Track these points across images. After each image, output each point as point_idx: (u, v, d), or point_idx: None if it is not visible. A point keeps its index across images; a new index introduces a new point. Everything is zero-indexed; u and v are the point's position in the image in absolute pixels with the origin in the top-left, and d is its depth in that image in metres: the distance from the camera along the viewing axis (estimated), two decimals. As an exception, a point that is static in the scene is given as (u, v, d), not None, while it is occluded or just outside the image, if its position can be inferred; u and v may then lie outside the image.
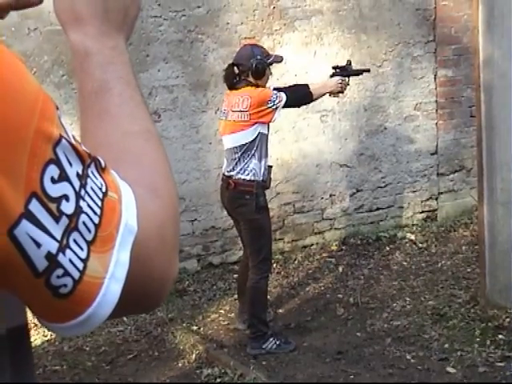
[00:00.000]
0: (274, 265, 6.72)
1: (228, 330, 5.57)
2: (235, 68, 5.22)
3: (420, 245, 7.13)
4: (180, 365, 5.06)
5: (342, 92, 5.48)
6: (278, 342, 5.15)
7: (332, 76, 5.50)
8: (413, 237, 7.31)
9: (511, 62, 5.16)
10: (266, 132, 5.15)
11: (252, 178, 5.09)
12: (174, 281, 0.91)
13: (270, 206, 6.86)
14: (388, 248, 7.10)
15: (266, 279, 5.21)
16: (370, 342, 5.21)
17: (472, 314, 5.41)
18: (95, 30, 0.97)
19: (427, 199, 7.71)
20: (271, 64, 5.22)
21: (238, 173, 5.11)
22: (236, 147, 5.13)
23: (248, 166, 5.09)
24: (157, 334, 5.52)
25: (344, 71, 5.54)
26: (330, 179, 7.25)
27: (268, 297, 5.39)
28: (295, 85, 5.49)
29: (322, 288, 6.27)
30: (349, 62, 5.60)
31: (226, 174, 5.20)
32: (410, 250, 7.04)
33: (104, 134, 0.94)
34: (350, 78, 5.56)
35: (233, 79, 5.23)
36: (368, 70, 5.93)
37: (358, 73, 5.77)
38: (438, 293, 5.95)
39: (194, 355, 5.12)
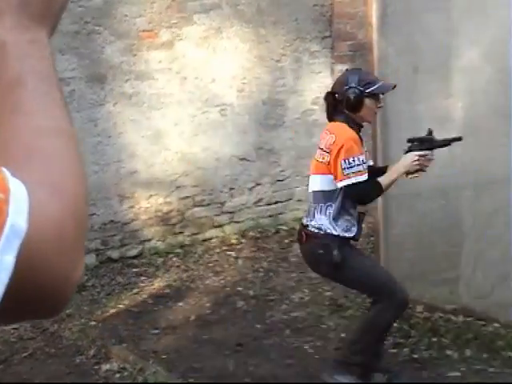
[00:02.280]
0: (174, 259, 6.75)
1: (127, 325, 5.57)
2: (333, 97, 4.37)
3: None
4: (78, 361, 5.03)
5: (423, 170, 4.40)
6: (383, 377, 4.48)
7: (408, 151, 4.40)
8: (311, 229, 7.44)
9: (404, 58, 5.34)
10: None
11: (325, 233, 4.28)
12: (78, 282, 0.87)
13: (169, 199, 6.91)
14: (287, 240, 7.21)
15: (398, 310, 4.35)
16: (269, 333, 5.30)
17: (368, 304, 5.55)
18: (13, 22, 0.92)
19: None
20: (374, 95, 4.31)
21: (313, 224, 4.32)
22: (314, 192, 4.38)
23: (321, 221, 4.29)
24: (53, 331, 5.46)
25: (423, 144, 4.42)
26: (230, 173, 7.31)
27: (167, 291, 5.40)
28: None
29: (222, 281, 6.33)
30: (429, 132, 4.46)
31: (302, 222, 4.46)
32: (308, 242, 7.17)
33: (14, 128, 0.90)
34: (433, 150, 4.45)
35: (331, 110, 4.38)
36: (459, 139, 4.56)
37: (444, 144, 4.53)
38: (335, 284, 6.07)
39: (92, 351, 5.10)
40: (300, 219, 7.52)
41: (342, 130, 4.25)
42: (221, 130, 7.18)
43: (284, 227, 7.49)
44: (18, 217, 0.79)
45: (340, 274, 4.30)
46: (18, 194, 0.80)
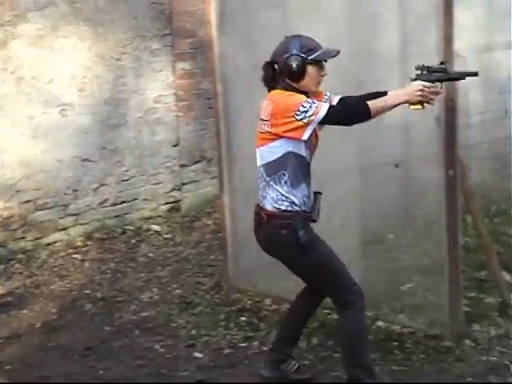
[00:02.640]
0: (16, 265, 6.56)
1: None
2: (275, 66, 4.07)
3: (165, 236, 7.25)
4: None
5: (429, 103, 4.01)
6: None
7: (415, 79, 4.05)
8: (158, 228, 7.42)
9: (243, 55, 5.40)
10: (303, 153, 3.99)
11: (286, 209, 4.00)
12: None
13: (9, 204, 6.70)
14: (134, 240, 7.15)
15: (361, 311, 4.05)
16: (118, 335, 5.24)
17: (217, 300, 5.61)
18: None
19: (171, 190, 7.85)
20: (318, 61, 4.02)
21: (270, 203, 4.03)
22: (262, 166, 4.08)
23: (276, 193, 4.02)
24: None
25: (432, 75, 4.05)
26: (73, 174, 7.17)
27: (10, 298, 5.23)
28: (370, 94, 4.18)
29: (68, 285, 6.19)
30: (441, 62, 4.17)
31: (258, 204, 4.14)
32: (155, 241, 7.14)
33: None
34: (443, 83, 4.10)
35: (271, 81, 4.09)
36: (475, 74, 4.14)
37: (458, 78, 4.19)
38: (184, 281, 6.09)
39: None
40: (146, 219, 7.57)
41: (279, 94, 4.00)
42: (62, 130, 7.02)
43: (130, 227, 7.42)
44: None
45: (303, 259, 3.98)
46: None
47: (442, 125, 4.47)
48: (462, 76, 4.16)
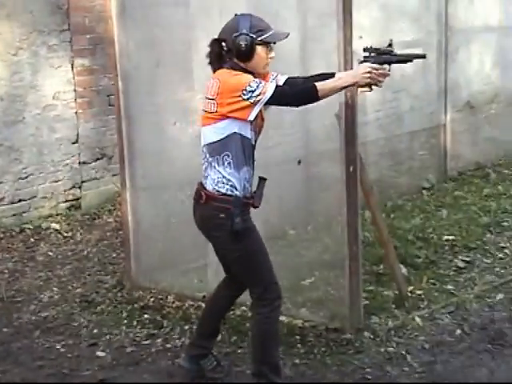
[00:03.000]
0: None
1: None
2: (222, 44, 3.94)
3: (65, 234, 7.14)
4: None
5: (377, 85, 4.00)
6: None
7: (362, 62, 4.04)
8: (58, 226, 7.30)
9: (145, 52, 5.37)
10: (248, 135, 3.88)
11: (227, 192, 3.89)
12: None
13: None
14: (33, 239, 7.02)
15: (277, 310, 4.04)
16: (17, 336, 5.13)
17: (119, 298, 5.56)
18: None
19: (70, 188, 7.73)
20: (267, 42, 3.91)
21: (211, 183, 3.92)
22: (205, 145, 3.94)
23: (218, 174, 3.90)
24: None
25: (380, 57, 4.03)
26: (-37, 173, 6.99)
27: None
28: (318, 75, 4.07)
29: (-35, 286, 6.04)
30: (390, 43, 4.11)
31: (200, 182, 4.01)
32: (55, 239, 7.03)
33: None
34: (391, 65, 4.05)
35: (217, 59, 3.95)
36: (423, 56, 4.21)
37: (405, 60, 4.19)
38: (85, 280, 6.01)
39: None
40: (45, 217, 7.44)
41: (226, 73, 3.86)
42: (-44, 127, 6.83)
43: (29, 226, 7.28)
44: None
45: (234, 245, 3.89)
46: None
47: (342, 122, 4.55)
48: (410, 58, 4.18)
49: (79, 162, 7.79)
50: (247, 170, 3.94)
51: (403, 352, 4.55)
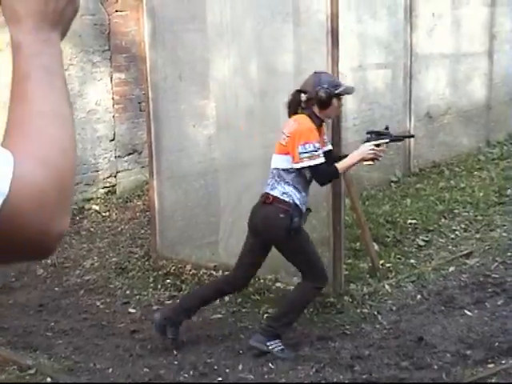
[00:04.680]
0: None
1: None
2: (302, 95, 3.99)
3: (103, 214, 7.06)
4: None
5: (378, 159, 4.11)
6: (282, 348, 4.09)
7: (366, 141, 4.10)
8: (97, 208, 7.22)
9: (170, 68, 5.30)
10: (307, 174, 3.95)
11: (290, 201, 3.92)
12: (63, 234, 0.90)
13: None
14: (78, 218, 6.94)
15: (315, 290, 4.11)
16: (66, 294, 5.10)
17: (147, 266, 5.51)
18: (30, 26, 0.94)
19: (108, 177, 7.65)
20: (340, 95, 4.02)
21: (278, 192, 3.95)
22: (274, 169, 4.01)
23: (284, 189, 3.94)
24: None
25: (380, 137, 4.14)
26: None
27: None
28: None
29: (23, 254, 5.97)
30: (386, 127, 4.24)
31: (264, 191, 4.03)
32: (95, 218, 6.95)
33: (18, 114, 0.91)
34: (387, 144, 4.19)
35: (296, 107, 4.00)
36: (412, 136, 4.35)
37: (398, 139, 4.40)
38: (119, 251, 5.96)
39: None
40: (88, 200, 7.37)
41: (304, 120, 3.93)
42: None
43: (75, 207, 7.20)
44: (1, 181, 0.81)
45: (290, 241, 3.94)
46: (4, 163, 0.83)
47: (329, 127, 4.49)
48: (402, 138, 4.40)
49: (115, 156, 7.71)
50: (305, 195, 4.01)
51: (375, 313, 4.52)
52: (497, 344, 4.00)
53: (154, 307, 4.78)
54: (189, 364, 4.04)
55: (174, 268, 5.36)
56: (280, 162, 3.97)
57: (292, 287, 4.75)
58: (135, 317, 4.68)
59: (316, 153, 3.86)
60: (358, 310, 4.55)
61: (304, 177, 3.96)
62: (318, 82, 3.94)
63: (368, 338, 4.19)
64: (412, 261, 5.35)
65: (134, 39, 7.00)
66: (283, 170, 3.95)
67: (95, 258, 5.84)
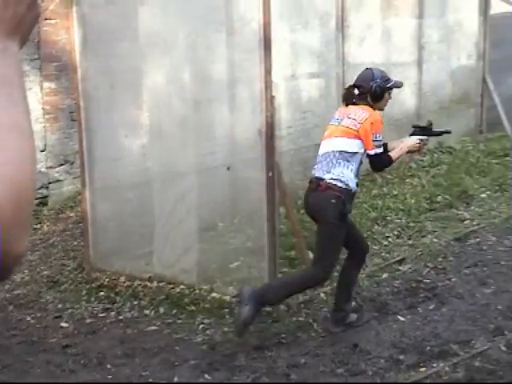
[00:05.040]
0: None
1: None
2: (355, 89, 4.37)
3: (35, 226, 6.89)
4: None
5: (420, 151, 4.68)
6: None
7: (412, 134, 4.52)
8: (28, 220, 7.06)
9: (102, 77, 5.24)
10: (363, 158, 4.28)
11: (342, 186, 4.16)
12: (22, 254, 0.85)
13: None
14: None
15: (317, 282, 4.44)
16: (-6, 310, 4.96)
17: (79, 278, 5.42)
18: None
19: (39, 188, 7.49)
20: (391, 88, 4.39)
21: (331, 176, 4.17)
22: (334, 151, 4.21)
23: (341, 173, 4.17)
24: None
25: (424, 131, 4.56)
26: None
27: None
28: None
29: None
30: (429, 123, 4.63)
31: (317, 175, 4.24)
32: (26, 230, 6.79)
33: None
34: (430, 138, 4.64)
35: (352, 99, 4.36)
36: (449, 132, 4.89)
37: (438, 134, 4.80)
38: (51, 264, 5.84)
39: None
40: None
41: (373, 112, 4.25)
42: None
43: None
44: None
45: (340, 223, 4.18)
46: None
47: (263, 136, 4.52)
48: (441, 133, 4.79)
49: (46, 167, 7.56)
50: (358, 178, 4.33)
51: (311, 321, 4.56)
52: (428, 348, 4.09)
53: (87, 320, 4.71)
54: (124, 378, 3.99)
55: (107, 280, 5.29)
56: (346, 145, 4.22)
57: (228, 297, 4.76)
58: (67, 331, 4.59)
59: (381, 142, 4.25)
60: (294, 319, 4.58)
61: (361, 163, 4.29)
62: (371, 77, 4.32)
63: (304, 347, 4.23)
64: (346, 268, 5.41)
65: (65, 48, 6.89)
66: (349, 152, 4.20)
67: (26, 271, 5.69)
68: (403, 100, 8.93)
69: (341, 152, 4.21)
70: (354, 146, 4.21)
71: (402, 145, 4.45)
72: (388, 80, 4.38)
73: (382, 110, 4.44)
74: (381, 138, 4.23)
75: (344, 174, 4.18)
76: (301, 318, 4.58)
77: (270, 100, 4.45)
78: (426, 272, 5.19)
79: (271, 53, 4.44)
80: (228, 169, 4.88)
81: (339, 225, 4.18)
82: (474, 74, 9.89)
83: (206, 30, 5.00)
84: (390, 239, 6.05)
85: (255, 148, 4.61)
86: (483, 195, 7.09)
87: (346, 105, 4.38)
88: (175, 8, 4.94)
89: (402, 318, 4.52)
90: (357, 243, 4.47)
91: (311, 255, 5.36)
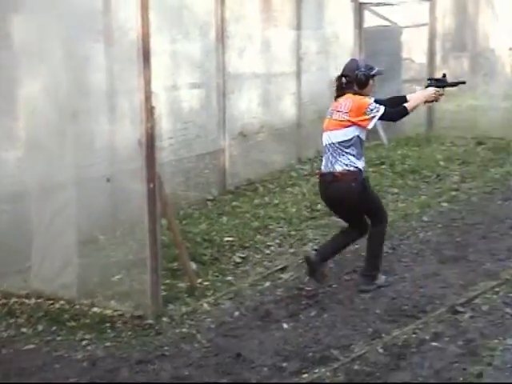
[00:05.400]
0: None
1: None
2: (343, 78, 4.99)
3: None
4: None
5: (437, 101, 5.30)
6: (384, 277, 5.20)
7: (427, 86, 5.22)
8: None
9: None
10: (363, 137, 4.97)
11: (355, 169, 4.90)
12: None
13: None
14: None
15: (383, 227, 5.15)
16: None
17: None
18: None
19: None
20: (374, 76, 5.03)
21: (342, 166, 4.90)
22: (334, 143, 4.92)
23: (347, 160, 4.89)
24: None
25: (440, 83, 5.25)
26: None
27: None
28: (393, 98, 5.33)
29: None
30: (444, 75, 5.31)
31: (328, 169, 4.97)
32: None
33: None
34: (445, 88, 5.26)
35: (341, 88, 5.01)
36: (464, 82, 5.57)
37: (454, 84, 5.43)
38: None
39: None
40: None
41: (354, 96, 4.91)
42: None
43: None
44: None
45: (363, 199, 4.96)
46: None
47: (144, 147, 4.51)
48: (456, 84, 5.43)
49: None
50: (363, 159, 4.98)
51: (194, 332, 4.58)
52: (310, 354, 4.21)
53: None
54: (-1, 400, 3.84)
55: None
56: (342, 135, 4.88)
57: (109, 311, 4.69)
58: None
59: (376, 109, 4.86)
60: (177, 330, 4.58)
61: (361, 141, 4.93)
62: (356, 67, 4.97)
63: (187, 358, 4.23)
64: (229, 278, 5.48)
65: None
66: (346, 140, 4.87)
67: None
68: (283, 110, 9.16)
69: (339, 143, 4.90)
70: (350, 132, 4.89)
71: (419, 94, 5.21)
72: (372, 68, 5.01)
73: (369, 95, 5.04)
74: (373, 107, 4.87)
75: (350, 160, 4.88)
76: (184, 330, 4.59)
77: (150, 111, 4.44)
78: (307, 279, 5.34)
79: (150, 63, 4.44)
80: (108, 180, 4.82)
81: (366, 192, 4.99)
82: (350, 85, 10.29)
83: (84, 39, 4.92)
84: (272, 248, 6.18)
85: (136, 159, 4.58)
86: (360, 203, 7.38)
87: (337, 95, 5.01)
88: (51, 15, 4.83)
89: (284, 326, 4.62)
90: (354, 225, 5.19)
91: (194, 266, 5.42)
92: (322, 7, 9.77)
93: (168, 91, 7.22)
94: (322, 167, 5.04)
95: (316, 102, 9.66)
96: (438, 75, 5.52)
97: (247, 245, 6.19)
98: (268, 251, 6.10)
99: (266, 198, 7.59)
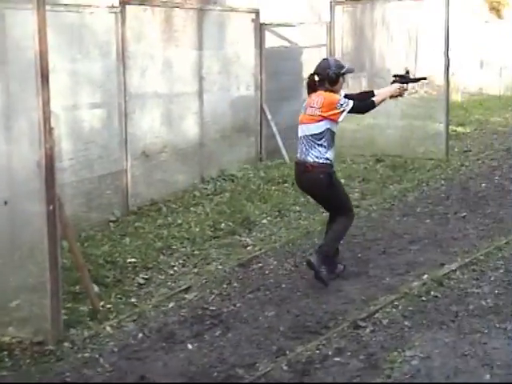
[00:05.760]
0: None
1: None
2: (315, 76, 5.54)
3: None
4: None
5: (402, 96, 5.85)
6: (342, 267, 5.81)
7: (393, 83, 5.81)
8: None
9: None
10: (334, 129, 5.47)
11: (325, 162, 5.44)
12: None
13: None
14: None
15: (349, 219, 5.68)
16: None
17: None
18: None
19: None
20: (344, 74, 5.55)
21: (312, 158, 5.44)
22: (307, 135, 5.47)
23: (318, 153, 5.43)
24: None
25: (403, 79, 5.82)
26: None
27: None
28: (361, 93, 5.97)
29: None
30: (407, 72, 5.87)
31: (302, 159, 5.53)
32: None
33: None
34: (409, 84, 5.85)
35: (314, 85, 5.56)
36: (425, 78, 6.30)
37: (415, 80, 6.13)
38: None
39: None
40: None
41: (325, 93, 5.46)
42: None
43: None
44: None
45: (330, 191, 5.51)
46: None
47: (43, 168, 4.43)
48: (418, 79, 6.21)
49: None
50: (333, 149, 5.51)
51: (97, 356, 4.52)
52: (215, 374, 4.24)
53: None
54: None
55: None
56: (315, 128, 5.43)
57: (7, 338, 4.57)
58: None
59: (345, 104, 5.39)
60: (79, 355, 4.51)
61: (332, 134, 5.46)
62: (327, 66, 5.49)
63: (90, 384, 4.17)
64: (133, 300, 5.44)
65: None
66: (318, 133, 5.42)
67: None
68: (186, 130, 9.19)
69: (313, 135, 5.45)
70: (322, 126, 5.42)
71: (386, 89, 5.82)
72: (342, 67, 5.54)
73: (338, 92, 5.54)
74: (343, 102, 5.40)
75: (320, 152, 5.43)
76: (86, 354, 4.53)
77: (49, 131, 4.38)
78: (212, 299, 5.37)
79: (49, 83, 4.38)
80: (5, 203, 4.69)
81: (334, 184, 5.52)
82: (252, 103, 10.46)
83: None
84: (175, 268, 6.18)
85: (34, 181, 4.49)
86: (264, 221, 7.51)
87: (309, 92, 5.55)
88: None
89: (189, 346, 4.63)
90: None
91: (96, 289, 5.34)
92: (224, 28, 9.89)
93: (68, 111, 7.12)
94: (298, 155, 5.60)
95: (218, 121, 9.75)
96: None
97: (150, 266, 6.17)
98: (171, 271, 6.10)
99: (170, 218, 7.58)
